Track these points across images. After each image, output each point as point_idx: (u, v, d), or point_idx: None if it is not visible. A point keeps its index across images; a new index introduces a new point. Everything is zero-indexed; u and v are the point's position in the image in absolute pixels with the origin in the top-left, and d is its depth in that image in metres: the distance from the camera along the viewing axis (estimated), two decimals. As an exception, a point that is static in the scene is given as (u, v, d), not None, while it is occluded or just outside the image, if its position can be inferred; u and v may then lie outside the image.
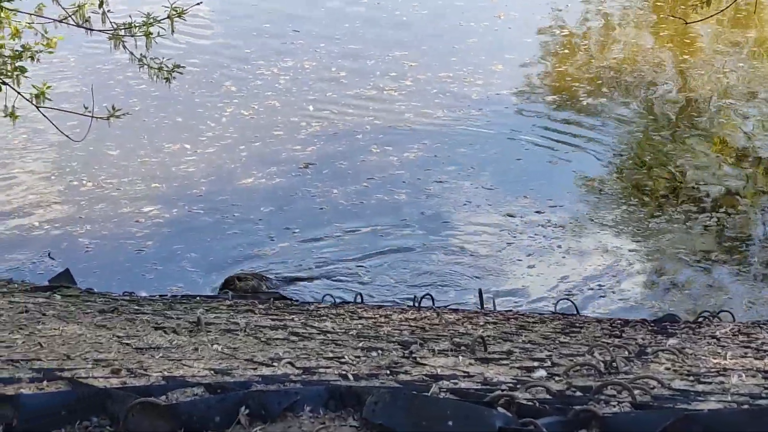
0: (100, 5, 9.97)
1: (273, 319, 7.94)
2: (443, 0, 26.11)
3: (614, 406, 3.85)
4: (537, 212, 15.25)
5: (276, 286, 13.10)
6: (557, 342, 7.22)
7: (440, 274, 13.77)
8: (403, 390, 3.82)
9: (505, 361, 5.54)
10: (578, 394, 4.18)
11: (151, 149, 17.49)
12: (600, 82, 20.71)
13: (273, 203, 15.63)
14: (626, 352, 6.24)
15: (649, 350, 6.59)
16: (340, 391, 3.62)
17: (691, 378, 4.98)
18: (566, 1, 26.27)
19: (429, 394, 3.78)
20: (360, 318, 8.88)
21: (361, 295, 11.52)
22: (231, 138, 17.99)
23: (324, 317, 8.63)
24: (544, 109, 19.46)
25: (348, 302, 11.25)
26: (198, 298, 11.20)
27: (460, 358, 5.56)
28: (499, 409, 3.36)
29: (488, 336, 6.89)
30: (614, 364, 5.16)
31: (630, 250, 14.22)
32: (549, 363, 5.56)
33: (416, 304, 10.70)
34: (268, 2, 25.58)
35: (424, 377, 4.65)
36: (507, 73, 21.22)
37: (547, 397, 3.96)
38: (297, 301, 11.82)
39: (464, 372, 4.94)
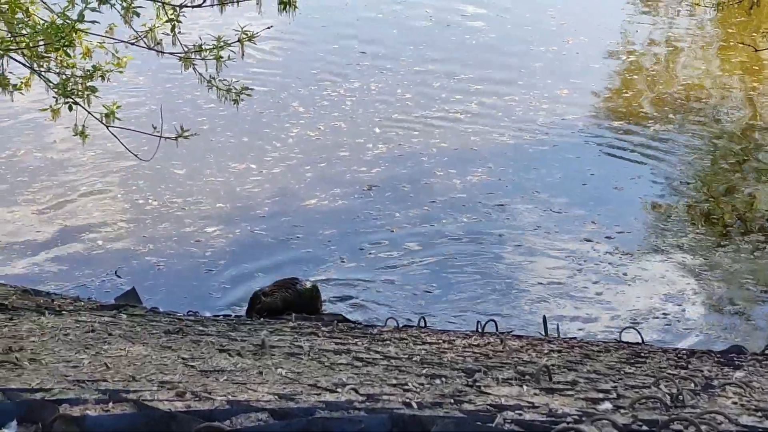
0: (173, 29, 10.05)
1: (337, 343, 7.93)
2: (512, 24, 26.10)
3: (682, 442, 3.79)
4: (604, 238, 15.14)
5: (300, 293, 12.96)
6: (622, 372, 7.14)
7: (503, 299, 13.70)
8: (468, 420, 3.79)
9: (570, 392, 5.48)
10: (644, 428, 4.12)
11: (216, 169, 17.62)
12: (667, 108, 20.55)
13: (336, 225, 15.67)
14: (692, 385, 6.14)
15: (715, 383, 6.49)
16: (403, 420, 3.60)
17: (759, 414, 4.89)
18: (635, 26, 26.17)
19: (494, 425, 3.74)
20: (423, 343, 8.84)
21: (424, 318, 11.48)
22: (296, 158, 18.07)
23: (387, 341, 8.61)
24: (611, 134, 19.33)
25: (411, 326, 11.20)
26: (262, 319, 11.23)
27: (525, 387, 5.51)
28: (565, 442, 3.32)
29: (553, 365, 6.83)
30: (680, 398, 5.08)
31: (696, 279, 14.06)
32: (614, 395, 5.49)
33: (480, 330, 10.64)
34: (336, 24, 25.73)
35: (488, 407, 4.61)
36: (573, 98, 21.12)
37: (613, 431, 3.90)
38: (360, 323, 11.81)
39: (529, 402, 4.89)
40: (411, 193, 16.70)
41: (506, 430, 3.54)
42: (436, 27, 25.78)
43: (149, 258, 14.77)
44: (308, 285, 13.08)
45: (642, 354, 9.23)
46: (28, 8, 9.74)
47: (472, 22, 26.20)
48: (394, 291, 13.95)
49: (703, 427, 3.93)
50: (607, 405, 4.92)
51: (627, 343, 10.68)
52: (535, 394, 5.33)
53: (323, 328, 9.33)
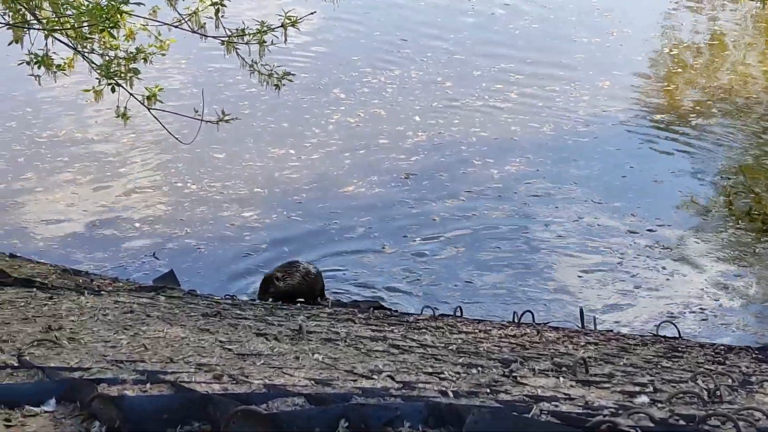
0: (217, 12, 10.07)
1: (373, 330, 7.94)
2: (555, 15, 25.96)
3: (719, 438, 3.77)
4: (644, 231, 15.06)
5: (307, 276, 12.86)
6: (659, 366, 7.11)
7: (540, 290, 13.66)
8: (504, 410, 3.78)
9: (606, 385, 5.46)
10: (681, 423, 4.09)
11: (256, 153, 17.67)
12: (710, 102, 20.39)
13: (372, 213, 15.65)
14: (730, 381, 6.11)
15: (753, 379, 6.46)
16: (440, 409, 3.59)
17: (798, 411, 4.85)
18: (680, 20, 26.00)
19: (530, 416, 3.73)
20: (459, 332, 8.83)
21: (460, 308, 11.46)
22: (336, 145, 18.08)
23: (423, 330, 8.61)
24: (652, 127, 19.20)
25: (447, 315, 11.19)
26: (298, 304, 11.26)
27: (561, 379, 5.50)
28: (602, 435, 3.30)
29: (589, 357, 6.81)
30: (718, 393, 5.05)
31: (735, 275, 13.96)
32: (651, 389, 5.46)
33: (516, 320, 10.62)
34: (378, 11, 25.71)
35: (524, 397, 4.60)
36: (615, 90, 21.01)
37: (650, 425, 3.88)
38: (396, 311, 11.81)
39: (565, 394, 4.88)
40: (448, 182, 16.67)
41: (542, 422, 3.52)
42: (479, 16, 25.68)
43: (187, 241, 14.83)
44: (312, 269, 12.94)
45: (679, 348, 9.19)
46: (73, -11, 9.78)
47: (515, 12, 26.08)
48: (430, 279, 13.93)
49: (740, 423, 3.90)
50: (644, 398, 4.90)
51: (664, 337, 10.63)
52: (572, 386, 5.31)
53: (360, 315, 9.34)
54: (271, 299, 12.04)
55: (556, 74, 21.76)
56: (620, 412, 4.14)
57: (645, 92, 21.24)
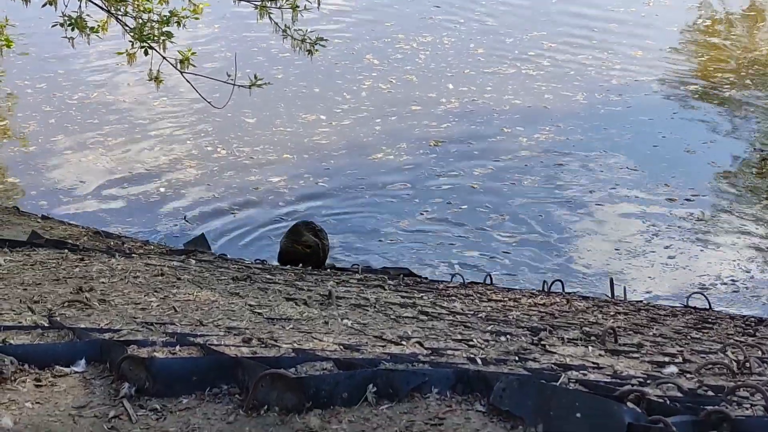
0: (250, -25, 10.07)
1: (402, 297, 7.94)
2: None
3: (747, 409, 3.75)
4: (676, 202, 14.97)
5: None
6: (689, 337, 7.08)
7: (571, 259, 13.62)
8: (532, 378, 3.78)
9: (635, 355, 5.45)
10: (710, 393, 4.08)
11: (287, 118, 17.67)
12: (743, 74, 20.22)
13: (399, 180, 15.60)
14: (760, 353, 6.08)
15: (783, 351, 6.42)
16: (468, 375, 3.60)
17: (828, 384, 4.83)
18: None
19: (558, 384, 3.73)
20: (489, 300, 8.83)
21: (490, 276, 11.44)
22: (366, 111, 18.06)
23: (453, 297, 8.61)
24: (684, 97, 19.07)
25: (477, 283, 11.19)
26: (328, 270, 11.27)
27: (590, 348, 5.49)
28: (629, 404, 3.30)
29: (618, 327, 6.80)
30: (747, 365, 5.03)
31: (767, 247, 13.87)
32: (680, 359, 5.45)
33: (546, 290, 10.60)
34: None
35: (553, 366, 4.60)
36: (648, 60, 20.88)
37: (678, 395, 3.87)
38: (426, 278, 11.81)
39: (594, 363, 4.88)
40: (476, 150, 16.60)
41: (570, 389, 3.52)
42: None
43: (218, 205, 14.88)
44: (321, 232, 12.69)
45: (709, 320, 9.16)
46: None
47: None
48: (459, 247, 13.91)
49: (770, 395, 3.89)
50: (673, 369, 4.88)
51: (694, 308, 10.59)
52: (600, 355, 5.31)
53: (389, 282, 9.35)
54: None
55: (589, 43, 21.66)
56: (648, 381, 4.14)
57: (678, 62, 21.08)
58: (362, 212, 14.80)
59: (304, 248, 12.20)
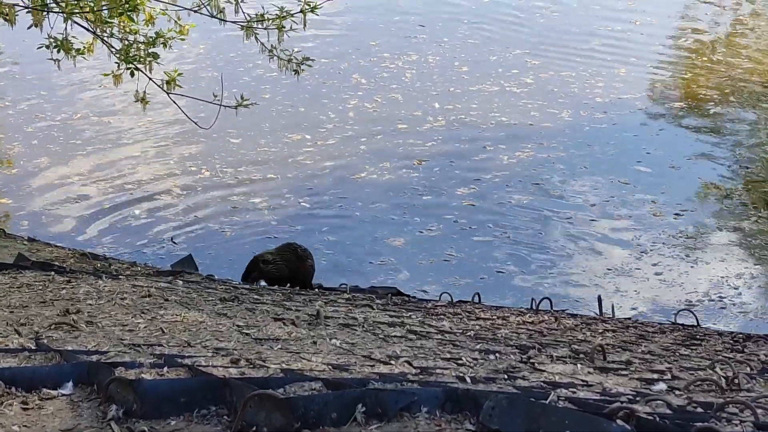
0: (236, -4, 10.09)
1: (391, 316, 7.93)
2: (579, 4, 25.98)
3: (736, 425, 3.75)
4: (664, 218, 14.99)
5: (301, 260, 12.62)
6: (677, 354, 7.08)
7: (558, 277, 13.62)
8: (522, 396, 3.77)
9: (624, 372, 5.45)
10: (699, 410, 4.08)
11: (271, 138, 17.68)
12: (728, 91, 20.30)
13: (382, 200, 15.60)
14: (748, 369, 6.09)
15: (772, 367, 6.42)
16: (457, 394, 3.58)
17: (817, 400, 4.83)
18: (703, 10, 25.93)
19: (547, 402, 3.72)
20: (477, 318, 8.82)
21: (478, 294, 11.43)
22: (352, 130, 18.08)
23: (441, 316, 8.60)
24: (669, 114, 19.16)
25: (465, 301, 11.18)
26: (316, 289, 11.26)
27: (579, 366, 5.48)
28: (619, 421, 3.29)
29: (607, 344, 6.79)
30: (736, 381, 5.03)
31: (755, 264, 13.90)
32: (669, 376, 5.45)
33: (534, 307, 10.60)
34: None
35: (542, 384, 4.59)
36: (632, 78, 20.99)
37: (668, 412, 3.87)
38: (414, 297, 11.80)
39: (583, 381, 4.87)
40: (458, 170, 16.61)
41: (560, 408, 3.51)
42: (505, 4, 25.76)
43: (206, 225, 14.86)
44: (307, 256, 12.75)
45: (697, 336, 9.17)
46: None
47: (540, 1, 26.13)
48: (446, 267, 13.90)
49: (759, 411, 3.89)
50: (662, 386, 4.88)
51: (682, 324, 10.60)
52: (589, 372, 5.30)
53: (378, 301, 9.33)
54: (254, 282, 11.99)
55: (573, 61, 21.74)
56: (638, 399, 4.13)
57: (663, 80, 21.18)
58: (346, 231, 14.78)
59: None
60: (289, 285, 11.63)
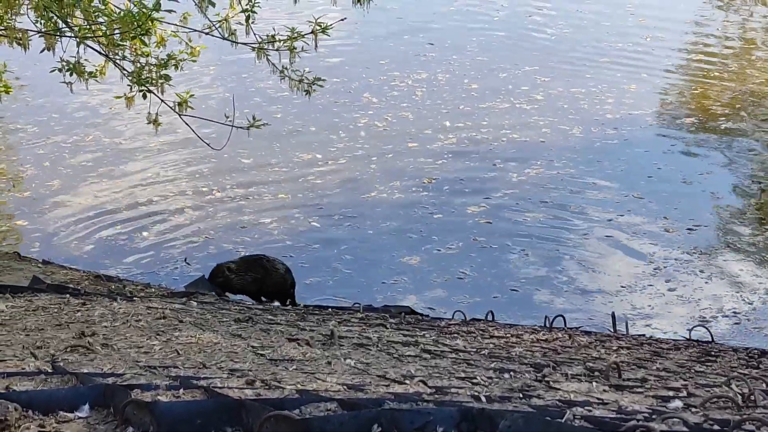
0: (247, 19, 10.11)
1: (405, 335, 7.93)
2: (589, 20, 26.03)
3: (754, 442, 3.75)
4: (677, 233, 14.96)
5: (269, 273, 12.76)
6: (693, 371, 7.06)
7: (571, 294, 13.59)
8: (537, 415, 3.77)
9: (639, 389, 5.43)
10: (716, 427, 4.07)
11: (282, 158, 17.71)
12: (738, 106, 20.28)
13: (392, 219, 15.59)
14: (764, 385, 6.07)
15: (788, 383, 6.40)
16: (472, 414, 3.58)
17: (834, 416, 4.81)
18: (714, 25, 25.99)
19: (563, 421, 3.72)
20: (491, 337, 8.81)
21: (492, 312, 11.42)
22: (362, 149, 18.10)
23: (455, 335, 8.59)
24: (680, 130, 19.14)
25: (478, 319, 11.16)
26: (330, 309, 11.26)
27: (594, 384, 5.47)
28: (636, 440, 3.29)
29: (622, 362, 6.78)
30: (752, 398, 5.01)
31: (768, 279, 13.87)
32: (685, 393, 5.43)
33: (548, 325, 10.58)
34: (411, 16, 25.84)
35: (557, 402, 4.58)
36: (642, 93, 20.99)
37: (684, 429, 3.86)
38: (427, 316, 11.79)
39: (598, 399, 4.86)
40: (466, 188, 16.59)
41: (576, 426, 3.51)
42: (515, 24, 25.82)
43: (215, 246, 14.88)
44: (279, 266, 12.88)
45: (712, 353, 9.14)
46: (104, -3, 9.85)
47: (548, 17, 26.17)
48: (459, 285, 13.89)
49: (776, 428, 3.88)
50: (678, 403, 4.86)
51: (697, 341, 10.56)
52: (605, 390, 5.29)
53: (391, 320, 9.33)
54: (220, 289, 12.16)
55: (583, 77, 21.75)
56: (654, 416, 4.12)
57: (674, 95, 21.18)
58: (357, 250, 14.78)
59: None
60: (263, 298, 11.84)
